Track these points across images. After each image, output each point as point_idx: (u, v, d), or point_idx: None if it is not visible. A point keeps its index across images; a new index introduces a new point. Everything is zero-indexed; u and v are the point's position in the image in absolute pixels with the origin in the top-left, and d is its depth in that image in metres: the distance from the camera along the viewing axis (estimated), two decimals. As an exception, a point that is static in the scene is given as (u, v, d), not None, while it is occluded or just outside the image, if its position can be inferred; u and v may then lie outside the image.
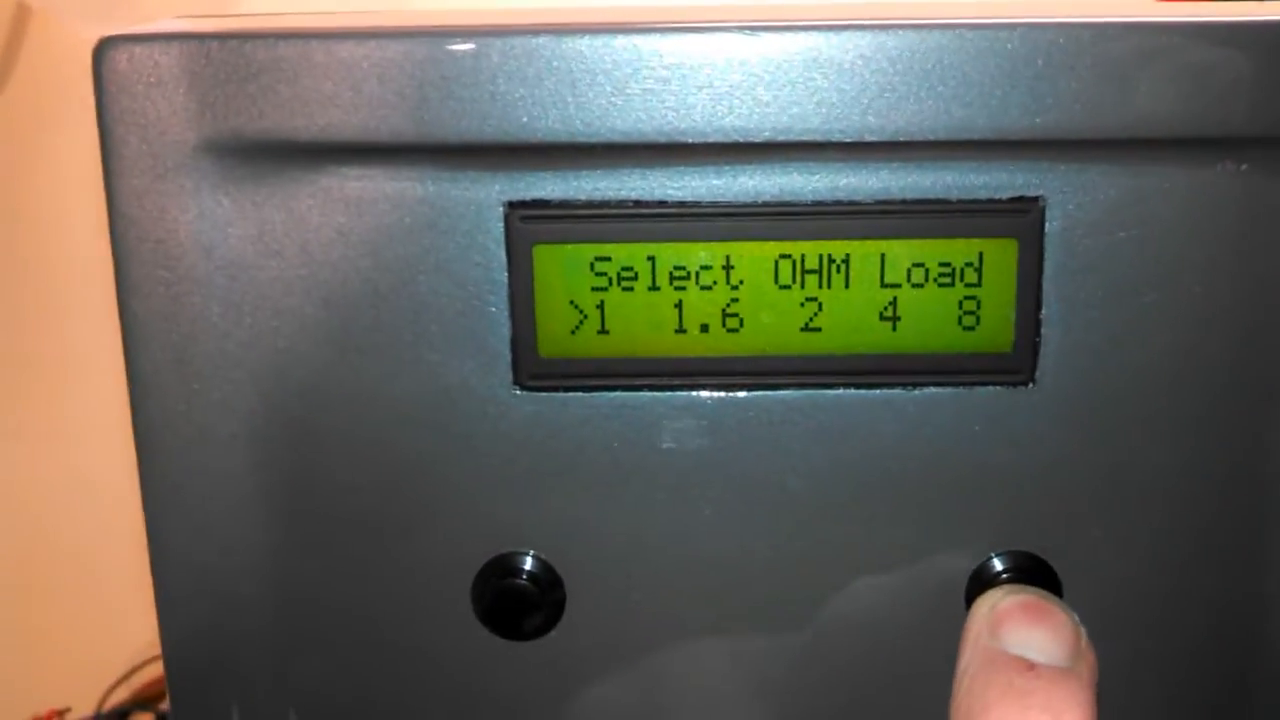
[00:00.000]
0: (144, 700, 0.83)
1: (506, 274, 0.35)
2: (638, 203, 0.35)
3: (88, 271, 0.73)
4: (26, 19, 0.72)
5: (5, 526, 0.82)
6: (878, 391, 0.36)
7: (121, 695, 0.83)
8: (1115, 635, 0.38)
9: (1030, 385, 0.36)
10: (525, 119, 0.34)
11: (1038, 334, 0.36)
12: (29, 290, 0.76)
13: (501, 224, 0.35)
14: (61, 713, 0.79)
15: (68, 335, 0.77)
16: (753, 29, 0.33)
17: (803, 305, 0.36)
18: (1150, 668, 0.38)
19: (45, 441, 0.80)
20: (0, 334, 0.78)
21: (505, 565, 0.37)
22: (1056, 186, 0.35)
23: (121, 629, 0.81)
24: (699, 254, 0.35)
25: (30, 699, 0.81)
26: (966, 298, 0.35)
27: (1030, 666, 0.32)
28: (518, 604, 0.37)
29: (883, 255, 0.35)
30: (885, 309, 0.36)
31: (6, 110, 0.73)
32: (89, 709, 0.80)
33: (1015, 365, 0.36)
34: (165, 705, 0.81)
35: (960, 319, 0.36)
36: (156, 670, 0.84)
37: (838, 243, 0.35)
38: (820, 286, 0.35)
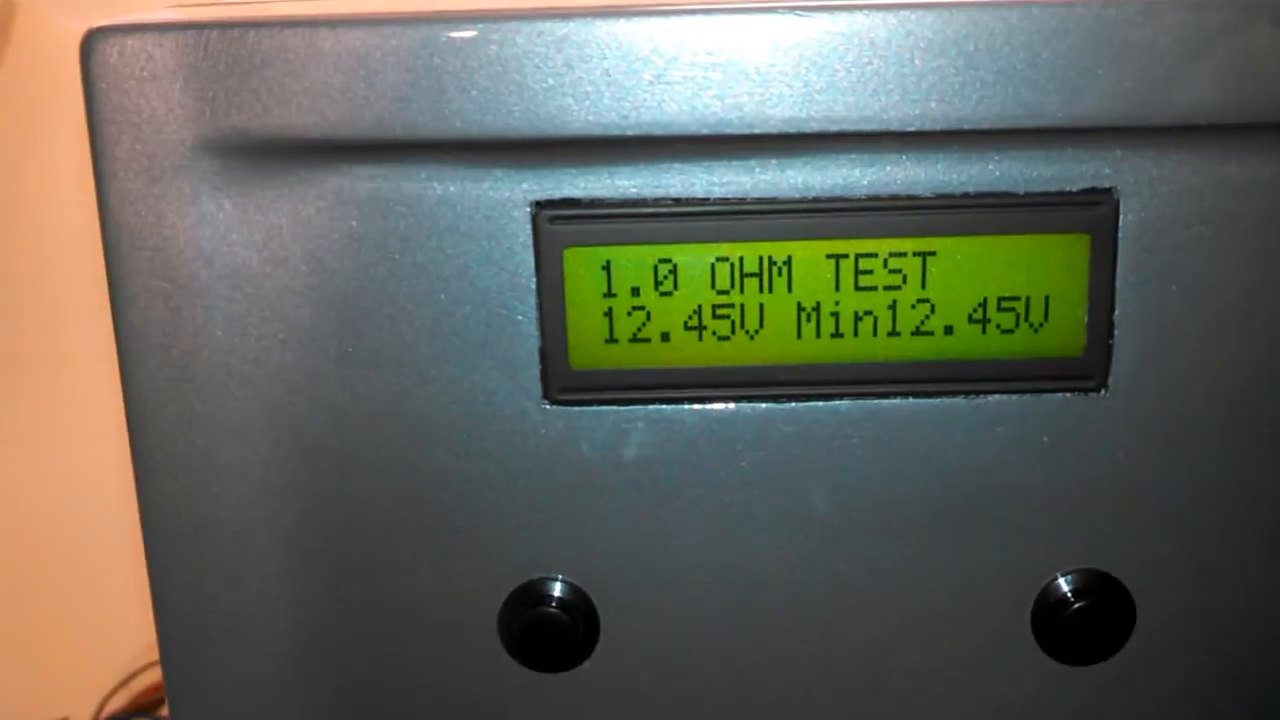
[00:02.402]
0: (142, 707, 0.81)
1: (535, 280, 0.33)
2: (677, 200, 0.33)
3: (82, 272, 0.71)
4: (13, 14, 0.70)
5: (-1, 531, 0.80)
6: (938, 400, 0.34)
7: (120, 702, 0.81)
8: (1191, 659, 0.35)
9: (1102, 392, 0.34)
10: (555, 111, 0.31)
11: (1111, 337, 0.33)
12: (22, 292, 0.74)
13: (529, 225, 0.33)
14: (59, 723, 0.77)
15: (63, 337, 0.75)
16: (804, 10, 0.31)
17: (857, 309, 0.33)
18: (1228, 694, 0.36)
19: (40, 445, 0.78)
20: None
21: (534, 592, 0.35)
22: (1132, 177, 0.32)
23: (118, 635, 0.79)
24: (744, 255, 0.33)
25: (27, 708, 0.80)
26: (1034, 298, 0.33)
27: None
28: (548, 633, 0.35)
29: (943, 253, 0.33)
30: (945, 312, 0.33)
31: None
32: (87, 716, 0.79)
33: (1086, 370, 0.33)
34: (164, 712, 0.80)
35: (1027, 321, 0.33)
36: (154, 676, 0.82)
37: (894, 240, 0.33)
38: (875, 288, 0.33)
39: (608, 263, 0.33)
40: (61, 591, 0.82)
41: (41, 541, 0.81)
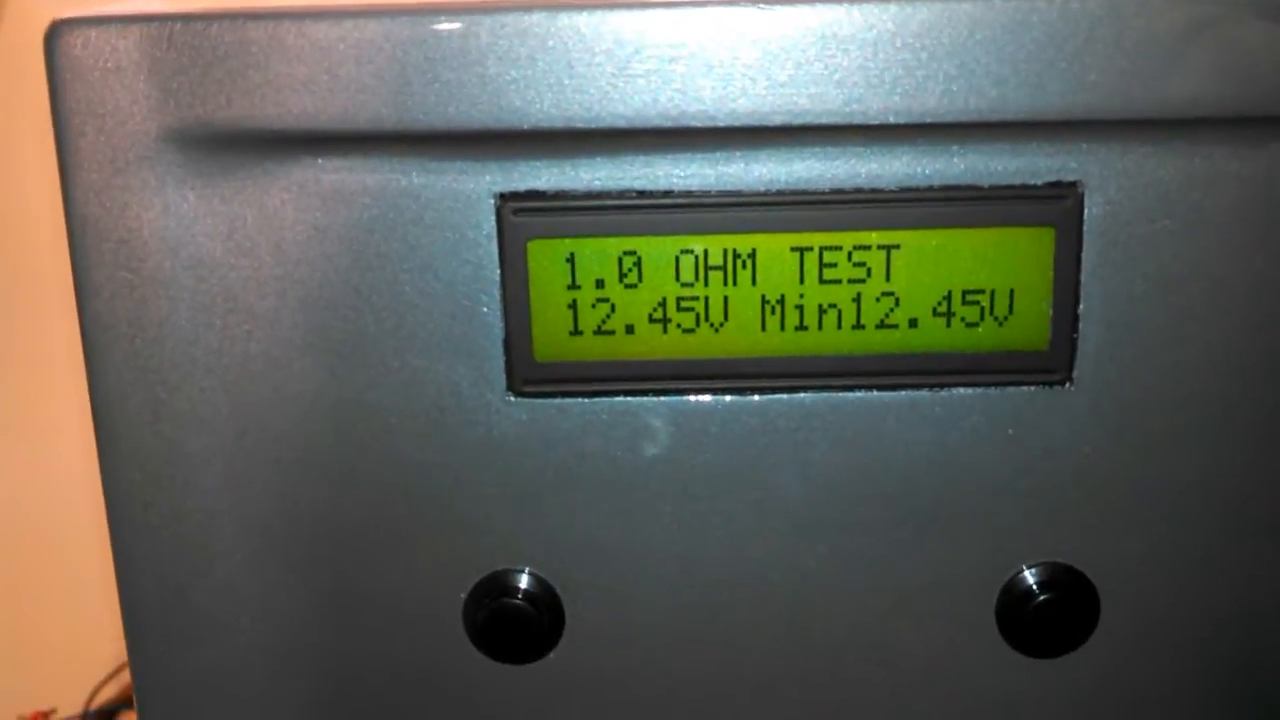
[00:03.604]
0: (132, 699, 0.81)
1: (499, 271, 0.33)
2: (640, 193, 0.32)
3: (69, 264, 0.71)
4: (4, 2, 0.69)
5: (-12, 523, 0.80)
6: (902, 393, 0.34)
7: (110, 693, 0.81)
8: (1157, 654, 0.35)
9: (1067, 385, 0.33)
10: (518, 103, 0.31)
11: (1075, 330, 0.33)
12: (11, 284, 0.74)
13: (493, 217, 0.33)
14: (46, 714, 0.77)
15: (52, 331, 0.75)
16: (767, 3, 0.30)
17: (822, 301, 0.33)
18: (1193, 688, 0.36)
19: (29, 437, 0.78)
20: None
21: (500, 583, 0.35)
22: (1096, 171, 0.32)
23: (108, 626, 0.79)
24: (708, 248, 0.33)
25: (15, 699, 0.79)
26: (998, 291, 0.33)
27: None
28: (513, 625, 0.35)
29: (907, 247, 0.33)
30: (910, 305, 0.33)
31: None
32: (77, 708, 0.78)
33: (1051, 364, 0.33)
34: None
35: (992, 314, 0.33)
36: (145, 667, 0.81)
37: (858, 233, 0.33)
38: (840, 281, 0.33)
39: (572, 255, 0.33)
40: (52, 582, 0.81)
41: (32, 532, 0.80)
